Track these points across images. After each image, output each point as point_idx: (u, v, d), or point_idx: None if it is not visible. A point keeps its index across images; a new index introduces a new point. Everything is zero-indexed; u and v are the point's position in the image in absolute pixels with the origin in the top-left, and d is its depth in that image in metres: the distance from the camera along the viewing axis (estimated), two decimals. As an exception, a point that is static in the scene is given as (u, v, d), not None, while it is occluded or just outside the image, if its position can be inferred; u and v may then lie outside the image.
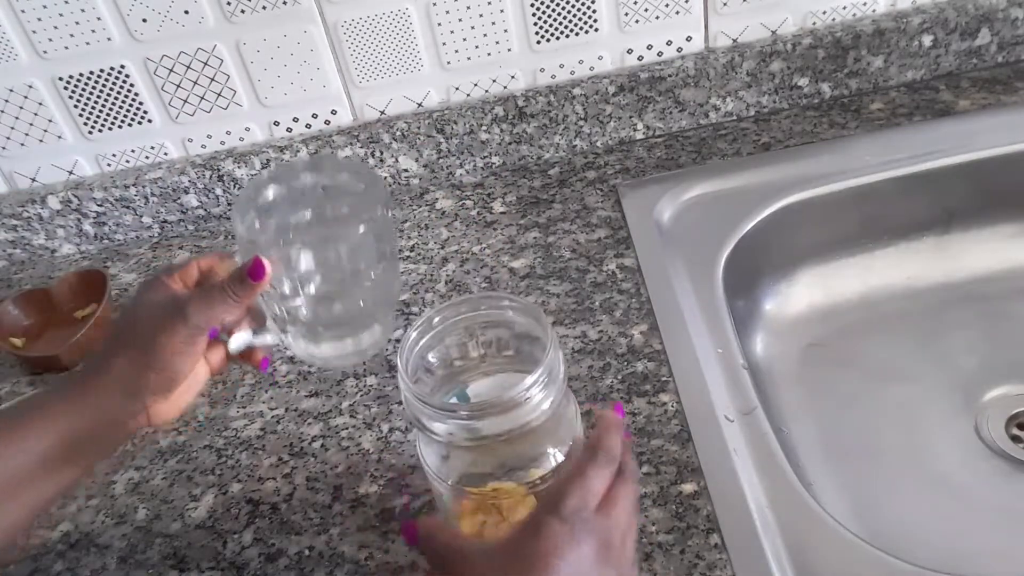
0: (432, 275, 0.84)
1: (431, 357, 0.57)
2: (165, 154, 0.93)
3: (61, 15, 0.83)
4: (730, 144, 0.90)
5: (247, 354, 0.60)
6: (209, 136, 0.92)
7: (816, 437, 0.77)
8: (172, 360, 0.55)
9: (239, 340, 0.59)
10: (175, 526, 0.67)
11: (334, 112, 0.91)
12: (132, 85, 0.87)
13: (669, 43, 0.90)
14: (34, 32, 0.83)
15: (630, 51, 0.90)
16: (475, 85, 0.90)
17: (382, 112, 0.91)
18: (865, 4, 0.89)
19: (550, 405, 0.52)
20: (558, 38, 0.88)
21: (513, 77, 0.90)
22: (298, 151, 0.91)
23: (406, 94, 0.90)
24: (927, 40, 0.90)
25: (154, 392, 0.55)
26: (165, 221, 0.95)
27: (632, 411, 0.67)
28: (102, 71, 0.86)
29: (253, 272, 0.55)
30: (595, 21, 0.87)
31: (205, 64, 0.87)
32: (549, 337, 0.52)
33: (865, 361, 0.82)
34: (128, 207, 0.94)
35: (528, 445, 0.54)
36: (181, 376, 0.55)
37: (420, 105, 0.91)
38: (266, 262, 0.55)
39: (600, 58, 0.90)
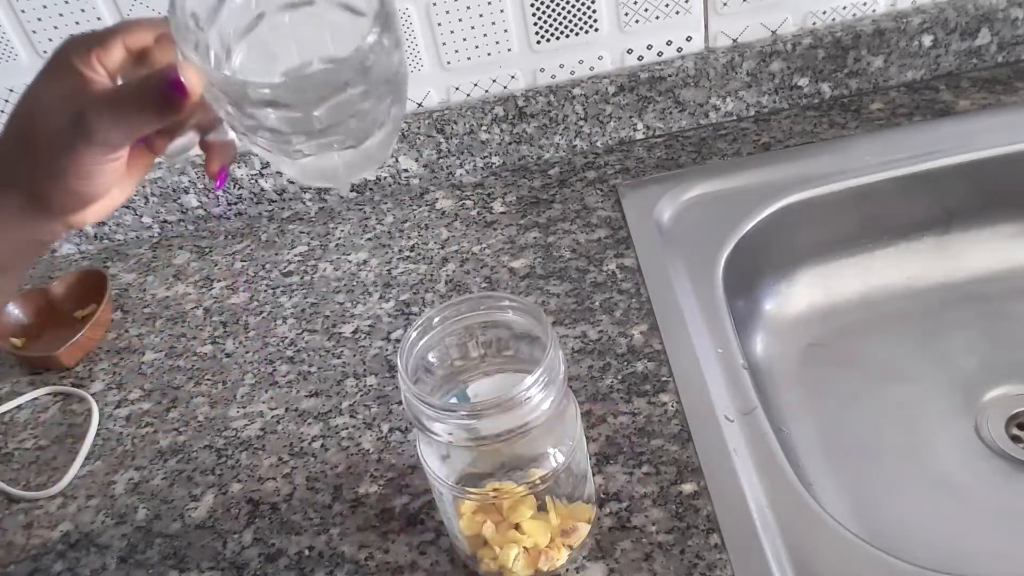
0: (432, 275, 0.84)
1: (431, 357, 0.57)
2: (165, 154, 0.93)
3: (61, 15, 0.83)
4: (730, 144, 0.90)
5: (208, 155, 0.48)
6: (209, 136, 0.92)
7: (816, 437, 0.77)
8: (77, 186, 0.44)
9: (179, 146, 0.47)
10: (175, 526, 0.67)
11: (334, 112, 0.91)
12: (132, 85, 0.87)
13: (669, 43, 0.90)
14: (34, 32, 0.83)
15: (630, 51, 0.90)
16: (475, 85, 0.90)
17: (382, 112, 0.91)
18: (865, 4, 0.89)
19: (550, 405, 0.52)
20: (558, 38, 0.88)
21: (513, 77, 0.90)
22: (298, 151, 0.91)
23: (406, 94, 0.90)
24: (927, 40, 0.90)
25: (67, 213, 0.45)
26: (165, 221, 0.95)
27: (632, 411, 0.67)
28: (102, 71, 0.86)
29: (173, 86, 0.41)
30: (595, 21, 0.87)
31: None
32: (549, 337, 0.52)
33: (865, 361, 0.82)
34: (128, 207, 0.94)
35: (528, 445, 0.54)
36: (95, 195, 0.45)
37: (420, 105, 0.91)
38: (190, 76, 0.41)
39: (600, 58, 0.90)
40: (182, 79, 0.41)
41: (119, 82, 0.45)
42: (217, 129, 0.48)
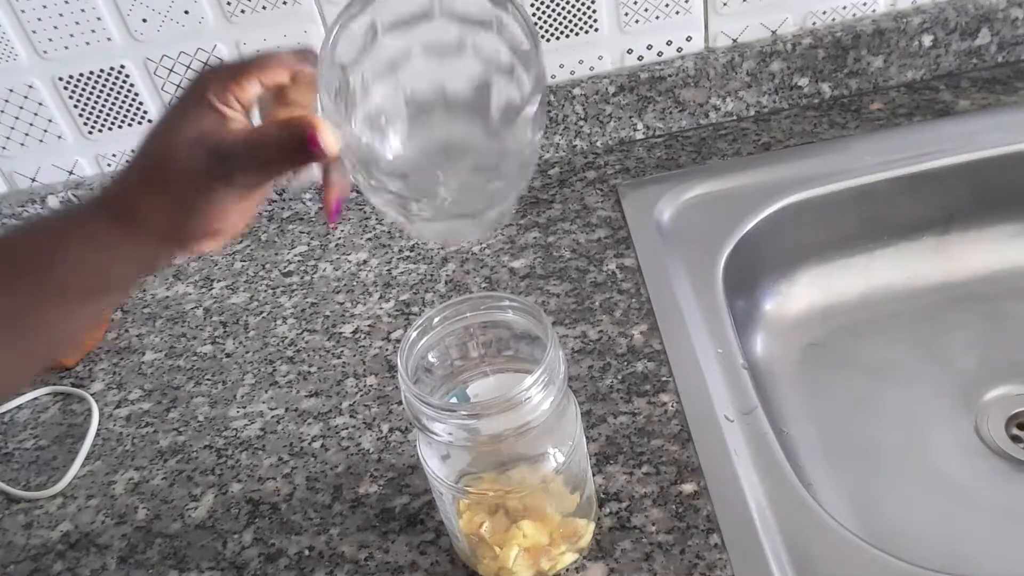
0: (432, 275, 0.84)
1: (431, 357, 0.57)
2: (165, 154, 0.93)
3: (61, 15, 0.83)
4: (730, 144, 0.90)
5: (326, 187, 0.48)
6: (209, 136, 0.92)
7: (816, 437, 0.77)
8: (209, 223, 0.45)
9: (303, 181, 0.50)
10: (175, 526, 0.67)
11: (334, 112, 0.91)
12: (132, 85, 0.87)
13: (669, 43, 0.90)
14: (34, 32, 0.83)
15: (630, 51, 0.90)
16: (475, 85, 0.90)
17: (382, 112, 0.91)
18: (865, 4, 0.89)
19: (550, 405, 0.52)
20: (558, 38, 0.88)
21: (513, 77, 0.90)
22: (298, 151, 0.91)
23: (406, 94, 0.90)
24: (927, 40, 0.90)
25: (190, 245, 0.46)
26: (165, 221, 0.95)
27: (632, 411, 0.67)
28: (102, 71, 0.86)
29: (311, 143, 0.42)
30: (595, 21, 0.87)
31: (205, 64, 0.87)
32: (549, 337, 0.52)
33: (865, 361, 0.82)
34: (128, 207, 0.94)
35: (528, 445, 0.54)
36: (224, 231, 0.46)
37: (420, 105, 0.91)
38: (327, 136, 0.42)
39: (600, 58, 0.90)
40: (319, 138, 0.42)
41: (254, 116, 0.45)
42: (339, 165, 0.47)
